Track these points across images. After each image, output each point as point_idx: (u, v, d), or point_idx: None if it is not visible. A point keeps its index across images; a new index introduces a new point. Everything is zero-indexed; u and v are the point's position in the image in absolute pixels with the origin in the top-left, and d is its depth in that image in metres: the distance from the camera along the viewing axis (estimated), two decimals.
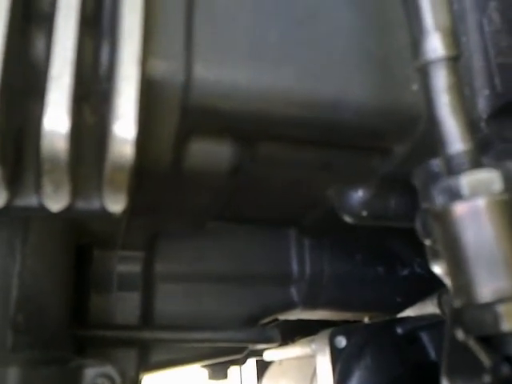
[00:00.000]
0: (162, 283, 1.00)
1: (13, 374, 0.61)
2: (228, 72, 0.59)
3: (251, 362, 1.76)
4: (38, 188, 0.53)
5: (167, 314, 0.99)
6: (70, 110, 0.49)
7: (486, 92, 0.64)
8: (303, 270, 1.08)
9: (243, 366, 1.80)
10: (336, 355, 1.12)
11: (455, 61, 0.49)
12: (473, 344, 0.47)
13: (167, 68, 0.56)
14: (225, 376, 1.54)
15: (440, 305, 0.98)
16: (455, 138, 0.47)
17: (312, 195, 0.87)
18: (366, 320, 1.28)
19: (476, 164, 0.47)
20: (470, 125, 0.49)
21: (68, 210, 0.54)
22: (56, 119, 0.48)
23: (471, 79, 0.65)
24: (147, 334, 0.95)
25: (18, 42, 0.52)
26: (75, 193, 0.54)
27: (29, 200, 0.53)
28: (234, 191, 0.81)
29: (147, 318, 0.98)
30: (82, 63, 0.53)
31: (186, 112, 0.59)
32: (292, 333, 1.44)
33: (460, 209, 0.45)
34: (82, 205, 0.55)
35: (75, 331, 0.83)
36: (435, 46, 0.49)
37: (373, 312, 1.22)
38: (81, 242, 0.87)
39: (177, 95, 0.57)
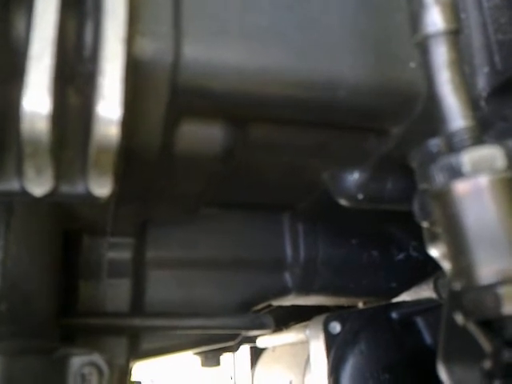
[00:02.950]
0: (153, 270, 0.99)
1: None
2: (218, 52, 0.57)
3: (245, 349, 1.76)
4: (20, 172, 0.51)
5: (158, 300, 0.98)
6: (51, 91, 0.47)
7: (486, 69, 0.62)
8: (297, 255, 1.07)
9: (236, 353, 1.79)
10: (330, 341, 1.12)
11: (455, 35, 0.47)
12: (473, 328, 0.45)
13: (155, 48, 0.54)
14: (218, 363, 1.53)
15: (436, 289, 0.97)
16: (456, 114, 0.46)
17: (307, 179, 0.85)
18: (361, 305, 1.27)
19: (477, 141, 0.45)
20: (471, 101, 0.47)
21: (52, 194, 0.52)
22: (36, 100, 0.46)
23: (471, 57, 0.63)
24: (138, 322, 0.93)
25: None
26: (59, 176, 0.52)
27: (11, 184, 0.51)
28: (226, 176, 0.80)
29: (138, 306, 0.96)
30: (65, 43, 0.50)
31: (175, 93, 0.57)
32: (286, 319, 1.43)
33: (461, 187, 0.44)
34: (66, 189, 0.53)
35: (64, 319, 0.82)
36: (435, 19, 0.47)
37: (367, 297, 1.21)
38: (69, 228, 0.85)
39: (165, 76, 0.55)
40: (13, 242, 0.66)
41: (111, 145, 0.50)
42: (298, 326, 1.36)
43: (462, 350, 0.53)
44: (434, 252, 0.63)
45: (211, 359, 1.53)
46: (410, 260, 1.13)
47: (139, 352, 0.97)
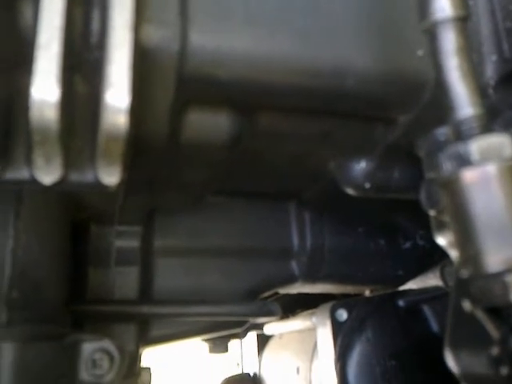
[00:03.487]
0: (160, 258, 0.99)
1: (7, 349, 0.60)
2: (225, 39, 0.57)
3: (252, 336, 1.77)
4: (29, 160, 0.51)
5: (167, 288, 0.99)
6: (59, 79, 0.47)
7: (494, 57, 0.62)
8: (304, 243, 1.07)
9: (244, 340, 1.80)
10: (337, 328, 1.12)
11: (464, 21, 0.47)
12: (480, 315, 0.46)
13: (162, 35, 0.54)
14: (225, 349, 1.54)
15: (443, 277, 0.97)
16: (464, 102, 0.46)
17: (313, 168, 0.85)
18: (367, 293, 1.28)
19: (486, 129, 0.45)
20: (479, 89, 0.47)
21: (61, 182, 0.52)
22: (45, 88, 0.46)
23: (479, 44, 0.63)
24: (146, 309, 0.94)
25: (5, 10, 0.50)
26: (68, 165, 0.52)
27: (20, 173, 0.52)
28: (233, 164, 0.80)
29: (146, 293, 0.97)
30: (72, 31, 0.50)
31: (181, 81, 0.57)
32: (292, 306, 1.44)
33: (469, 175, 0.44)
34: (75, 177, 0.53)
35: (73, 307, 0.83)
36: (443, 5, 0.47)
37: (374, 285, 1.21)
38: (77, 217, 0.86)
39: (172, 64, 0.55)
40: (22, 231, 0.66)
41: (120, 133, 0.50)
42: (304, 313, 1.36)
43: (469, 337, 0.53)
44: (441, 240, 0.63)
45: (219, 346, 1.54)
46: (416, 248, 1.13)
47: (148, 338, 0.98)
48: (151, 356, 1.14)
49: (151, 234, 0.98)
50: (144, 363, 1.04)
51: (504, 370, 0.43)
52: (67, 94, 0.49)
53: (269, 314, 1.02)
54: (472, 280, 0.45)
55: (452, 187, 0.45)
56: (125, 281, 0.95)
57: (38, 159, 0.51)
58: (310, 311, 1.29)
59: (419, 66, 0.61)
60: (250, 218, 1.05)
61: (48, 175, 0.51)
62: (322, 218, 1.08)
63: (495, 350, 0.44)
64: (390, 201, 0.85)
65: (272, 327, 1.54)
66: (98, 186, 0.54)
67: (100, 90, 0.50)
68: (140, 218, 0.95)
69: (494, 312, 0.45)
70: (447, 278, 0.96)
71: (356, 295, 1.27)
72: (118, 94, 0.49)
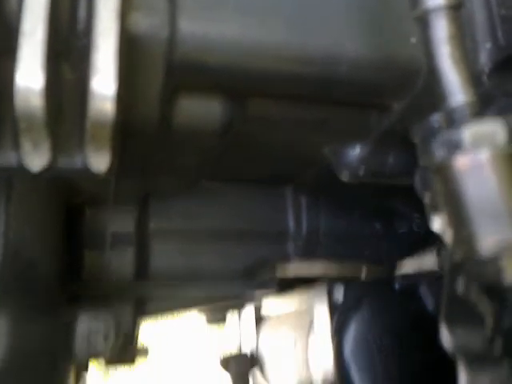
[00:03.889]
0: (156, 240, 1.00)
1: (2, 328, 0.61)
2: (214, 26, 0.56)
3: (250, 312, 1.77)
4: (17, 147, 0.51)
5: (162, 270, 0.99)
6: (44, 66, 0.46)
7: (488, 45, 0.61)
8: (300, 227, 1.07)
9: (242, 316, 1.81)
10: (334, 306, 1.13)
11: (456, 10, 0.46)
12: (473, 297, 0.46)
13: (150, 22, 0.54)
14: (223, 319, 1.52)
15: (439, 258, 0.98)
16: (456, 89, 0.45)
17: (308, 153, 0.85)
18: (363, 277, 1.28)
19: (478, 116, 0.45)
20: (472, 77, 0.46)
21: (49, 168, 0.52)
22: (29, 75, 0.46)
23: (473, 31, 0.62)
24: (142, 289, 0.95)
25: None
26: (56, 151, 0.52)
27: (8, 159, 0.52)
28: (226, 150, 0.79)
29: (142, 275, 0.97)
30: (58, 18, 0.50)
31: (171, 68, 0.56)
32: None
33: (461, 162, 0.44)
34: (63, 163, 0.53)
35: (69, 287, 0.83)
36: None
37: (370, 268, 1.21)
38: (72, 201, 0.86)
39: (161, 50, 0.55)
40: (14, 215, 0.66)
41: (107, 120, 0.50)
42: (302, 290, 1.36)
43: (464, 317, 0.54)
44: (436, 226, 0.63)
45: (216, 315, 1.52)
46: (412, 233, 1.13)
47: (145, 313, 0.99)
48: (149, 332, 1.15)
49: (146, 217, 0.98)
50: (141, 341, 1.06)
51: (497, 350, 0.44)
52: (53, 80, 0.48)
53: (264, 286, 1.03)
54: (465, 262, 0.45)
55: (444, 173, 0.45)
56: (120, 264, 0.95)
57: (26, 145, 0.50)
58: (307, 289, 1.30)
59: (413, 53, 0.60)
60: (245, 203, 1.05)
61: (36, 161, 0.51)
62: (318, 203, 1.08)
63: (488, 331, 0.45)
64: (386, 185, 0.85)
65: (269, 307, 1.54)
66: (87, 172, 0.54)
67: (87, 77, 0.49)
68: (135, 202, 0.96)
69: (487, 294, 0.45)
70: (443, 261, 0.96)
71: (352, 279, 1.28)
72: (104, 81, 0.48)
